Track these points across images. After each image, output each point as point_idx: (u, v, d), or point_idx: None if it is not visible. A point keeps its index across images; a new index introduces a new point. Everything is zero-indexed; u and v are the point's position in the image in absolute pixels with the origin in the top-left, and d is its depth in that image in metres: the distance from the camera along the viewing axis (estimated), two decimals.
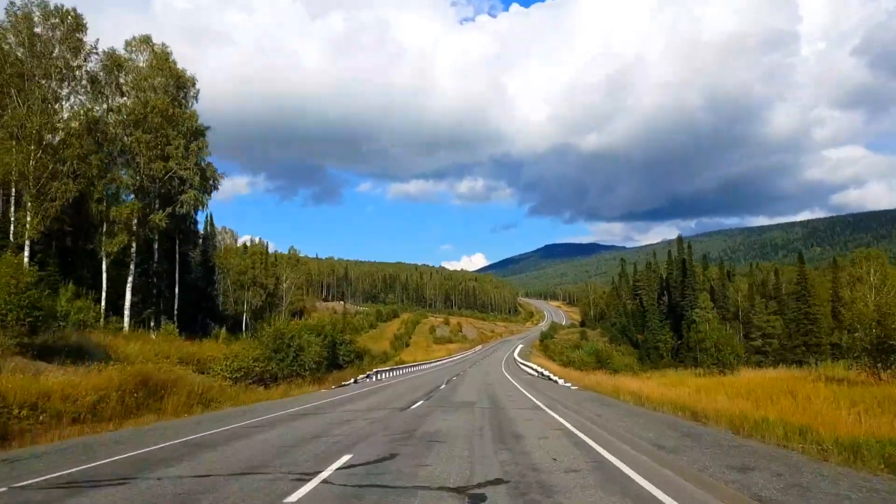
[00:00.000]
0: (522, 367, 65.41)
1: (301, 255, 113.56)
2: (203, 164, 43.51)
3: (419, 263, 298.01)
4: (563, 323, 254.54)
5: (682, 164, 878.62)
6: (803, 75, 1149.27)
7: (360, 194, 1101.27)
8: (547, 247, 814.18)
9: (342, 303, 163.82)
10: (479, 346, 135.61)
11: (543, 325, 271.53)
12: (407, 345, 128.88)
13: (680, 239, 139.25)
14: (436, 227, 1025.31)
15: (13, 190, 30.44)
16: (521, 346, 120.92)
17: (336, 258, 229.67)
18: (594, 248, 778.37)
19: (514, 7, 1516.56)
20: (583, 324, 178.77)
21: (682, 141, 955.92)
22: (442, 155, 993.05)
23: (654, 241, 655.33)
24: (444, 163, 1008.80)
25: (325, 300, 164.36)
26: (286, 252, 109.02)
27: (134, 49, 40.58)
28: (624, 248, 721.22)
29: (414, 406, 19.11)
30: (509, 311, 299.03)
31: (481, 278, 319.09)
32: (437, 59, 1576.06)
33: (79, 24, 33.02)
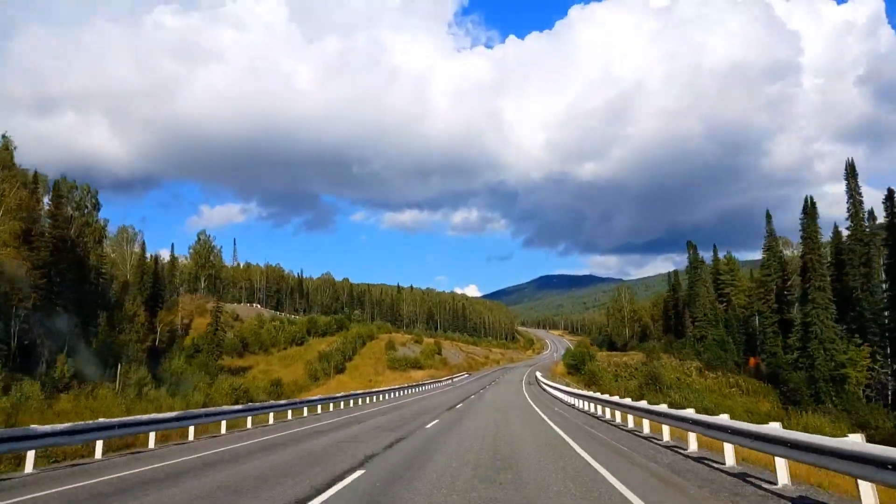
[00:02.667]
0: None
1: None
2: None
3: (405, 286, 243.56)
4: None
5: (680, 194, 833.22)
6: (805, 108, 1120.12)
7: (354, 223, 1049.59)
8: (542, 278, 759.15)
9: (256, 305, 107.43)
10: (465, 375, 79.70)
11: (549, 354, 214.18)
12: (341, 369, 72.81)
13: (676, 273, 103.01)
14: (430, 258, 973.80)
15: None
16: (538, 374, 66.38)
17: (287, 270, 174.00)
18: (591, 279, 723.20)
19: (512, 37, 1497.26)
20: (612, 346, 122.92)
21: (681, 171, 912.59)
22: (436, 182, 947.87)
23: (651, 274, 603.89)
24: (438, 190, 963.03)
25: (250, 303, 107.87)
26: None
27: None
28: (621, 280, 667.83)
29: None
30: (506, 337, 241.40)
31: (473, 301, 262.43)
32: (432, 85, 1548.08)
33: None
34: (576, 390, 31.23)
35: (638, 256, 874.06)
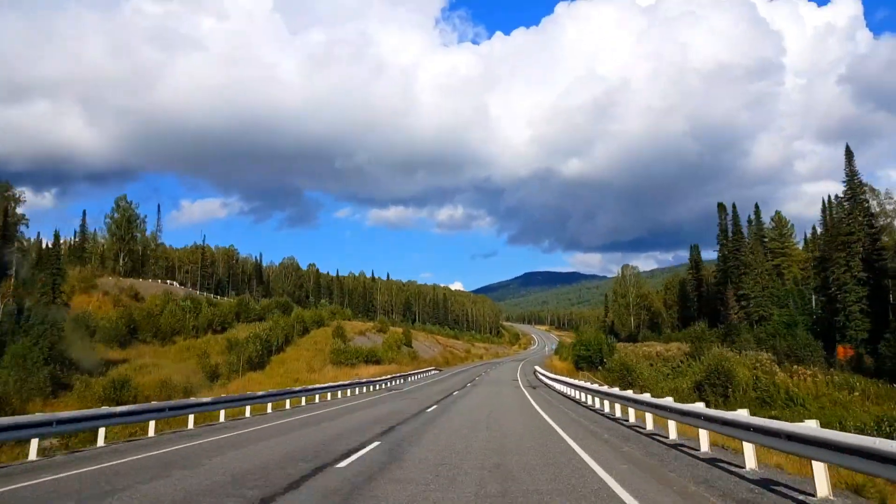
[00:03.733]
0: None
1: None
2: None
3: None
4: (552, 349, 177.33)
5: (663, 192, 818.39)
6: (786, 107, 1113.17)
7: (339, 219, 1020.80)
8: (527, 274, 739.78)
9: (173, 283, 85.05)
10: (433, 371, 58.59)
11: (538, 349, 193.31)
12: (259, 364, 50.91)
13: (696, 248, 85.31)
14: (415, 255, 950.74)
15: None
16: (539, 370, 45.64)
17: (246, 254, 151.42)
18: (575, 276, 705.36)
19: (499, 34, 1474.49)
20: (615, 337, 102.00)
21: (665, 169, 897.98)
22: (422, 177, 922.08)
23: (639, 270, 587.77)
24: (424, 186, 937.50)
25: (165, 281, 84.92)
26: None
27: None
28: (605, 277, 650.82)
29: None
30: (491, 331, 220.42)
31: (456, 293, 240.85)
32: (418, 79, 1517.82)
33: None
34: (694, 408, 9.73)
35: (620, 255, 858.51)
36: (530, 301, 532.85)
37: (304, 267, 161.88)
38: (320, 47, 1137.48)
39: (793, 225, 63.02)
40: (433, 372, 58.06)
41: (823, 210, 66.16)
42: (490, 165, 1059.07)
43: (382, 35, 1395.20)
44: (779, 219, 61.54)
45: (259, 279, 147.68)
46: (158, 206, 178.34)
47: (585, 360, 48.70)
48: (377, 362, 59.31)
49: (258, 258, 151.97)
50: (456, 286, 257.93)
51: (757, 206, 64.14)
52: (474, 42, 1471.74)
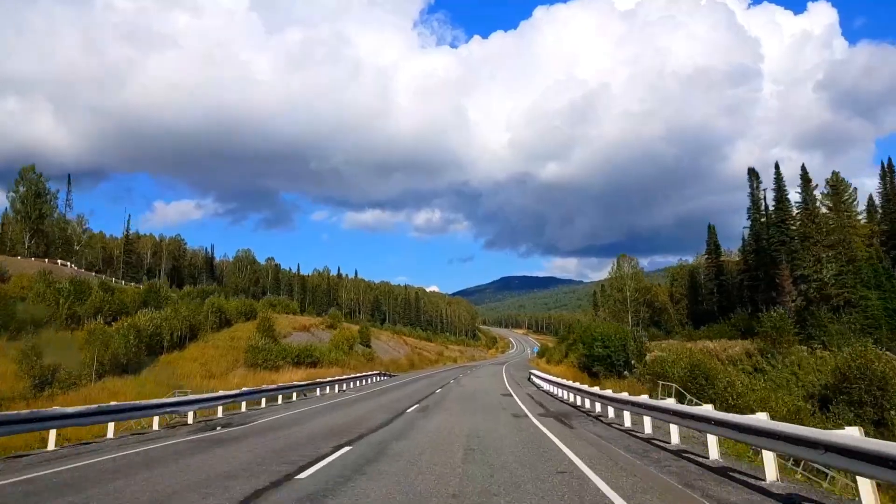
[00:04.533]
0: None
1: None
2: None
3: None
4: (533, 351, 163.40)
5: (640, 197, 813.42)
6: (763, 113, 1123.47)
7: (315, 222, 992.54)
8: (503, 279, 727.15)
9: (66, 264, 67.91)
10: (380, 376, 42.83)
11: (516, 353, 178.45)
12: (138, 365, 34.55)
13: (713, 229, 72.48)
14: (392, 259, 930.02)
15: None
16: (536, 374, 29.87)
17: (198, 247, 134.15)
18: (552, 281, 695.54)
19: (477, 37, 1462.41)
20: None
21: (642, 174, 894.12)
22: (399, 180, 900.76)
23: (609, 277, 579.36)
24: (401, 189, 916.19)
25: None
26: None
27: None
28: (581, 282, 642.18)
29: None
30: (466, 334, 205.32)
31: (430, 293, 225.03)
32: (396, 82, 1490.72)
33: None
34: None
35: (596, 260, 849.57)
36: (507, 305, 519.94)
37: (261, 261, 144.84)
38: (297, 47, 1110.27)
39: (855, 189, 49.64)
40: (379, 379, 42.39)
41: (883, 177, 52.38)
42: (468, 169, 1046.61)
43: (360, 36, 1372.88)
44: (837, 181, 47.46)
45: (210, 273, 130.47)
46: (69, 175, 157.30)
47: (602, 363, 33.40)
48: (314, 364, 43.47)
49: (209, 250, 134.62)
50: (431, 289, 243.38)
51: (804, 168, 49.95)
52: (452, 45, 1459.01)
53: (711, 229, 68.18)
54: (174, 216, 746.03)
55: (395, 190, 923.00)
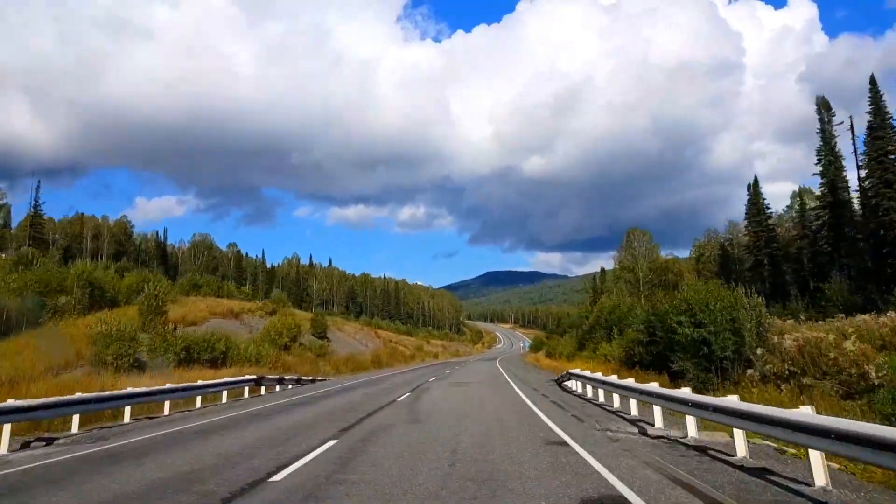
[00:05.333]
0: None
1: None
2: None
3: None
4: (524, 346, 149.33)
5: (623, 190, 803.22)
6: (746, 107, 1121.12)
7: (298, 218, 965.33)
8: (488, 273, 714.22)
9: None
10: (291, 381, 27.19)
11: (504, 348, 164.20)
12: None
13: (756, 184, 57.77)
14: (376, 255, 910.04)
15: None
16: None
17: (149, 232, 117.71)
18: (537, 276, 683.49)
19: (460, 31, 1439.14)
20: None
21: (625, 167, 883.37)
22: (382, 173, 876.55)
23: (597, 270, 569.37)
24: (384, 184, 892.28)
25: None
26: None
27: None
28: (566, 276, 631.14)
29: None
30: (451, 328, 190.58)
31: (412, 286, 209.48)
32: (379, 75, 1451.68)
33: None
34: None
35: (580, 255, 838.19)
36: (492, 300, 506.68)
37: (222, 248, 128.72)
38: (278, 39, 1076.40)
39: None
40: (286, 387, 27.33)
41: None
42: (451, 163, 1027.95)
43: (342, 30, 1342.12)
44: None
45: (162, 259, 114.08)
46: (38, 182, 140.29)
47: (688, 355, 18.41)
48: (215, 362, 28.26)
49: (161, 234, 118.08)
50: (416, 283, 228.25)
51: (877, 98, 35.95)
52: (436, 40, 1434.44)
53: (754, 186, 54.01)
54: (156, 213, 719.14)
55: (379, 184, 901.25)
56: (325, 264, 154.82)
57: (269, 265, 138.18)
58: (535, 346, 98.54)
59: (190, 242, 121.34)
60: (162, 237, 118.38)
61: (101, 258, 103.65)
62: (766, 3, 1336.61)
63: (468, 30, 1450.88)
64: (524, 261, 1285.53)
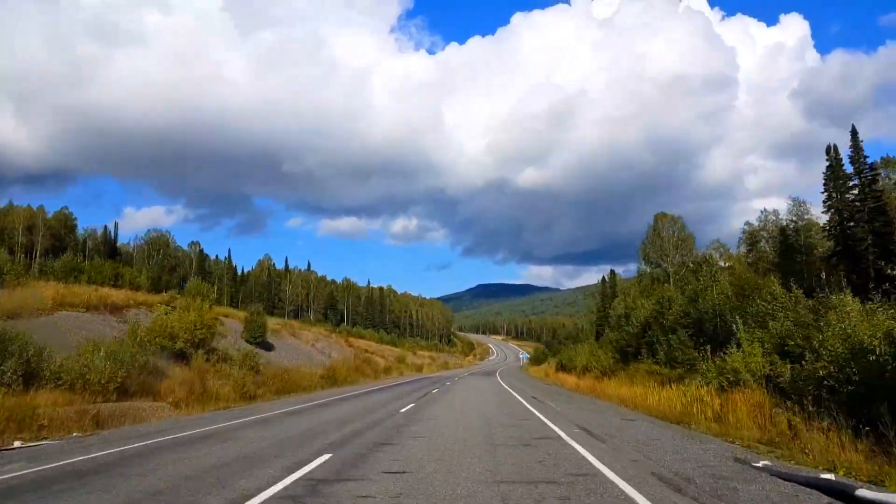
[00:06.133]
0: None
1: None
2: None
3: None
4: (523, 358, 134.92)
5: (616, 204, 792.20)
6: (739, 122, 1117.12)
7: (290, 229, 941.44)
8: (480, 286, 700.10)
9: None
10: None
11: (498, 360, 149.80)
12: None
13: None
14: (368, 266, 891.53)
15: None
16: None
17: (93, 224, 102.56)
18: (528, 288, 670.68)
19: (454, 43, 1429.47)
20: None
21: (619, 181, 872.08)
22: (375, 184, 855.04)
23: (584, 284, 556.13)
24: (377, 196, 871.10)
25: None
26: None
27: None
28: (557, 290, 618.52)
29: None
30: (441, 339, 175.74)
31: (400, 295, 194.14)
32: (373, 86, 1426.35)
33: None
34: None
35: (572, 268, 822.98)
36: (483, 312, 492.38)
37: (184, 247, 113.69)
38: (271, 47, 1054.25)
39: None
40: None
41: None
42: (445, 175, 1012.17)
43: (336, 39, 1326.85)
44: None
45: (111, 256, 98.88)
46: None
47: None
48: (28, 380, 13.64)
49: (110, 229, 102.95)
50: (404, 293, 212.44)
51: None
52: (430, 51, 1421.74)
53: (832, 150, 40.39)
54: (144, 222, 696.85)
55: (371, 196, 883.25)
56: (304, 268, 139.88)
57: (240, 269, 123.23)
58: (537, 358, 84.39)
59: (143, 240, 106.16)
60: (112, 233, 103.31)
61: (34, 254, 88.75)
62: (759, 21, 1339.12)
63: (462, 41, 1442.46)
64: (516, 273, 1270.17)
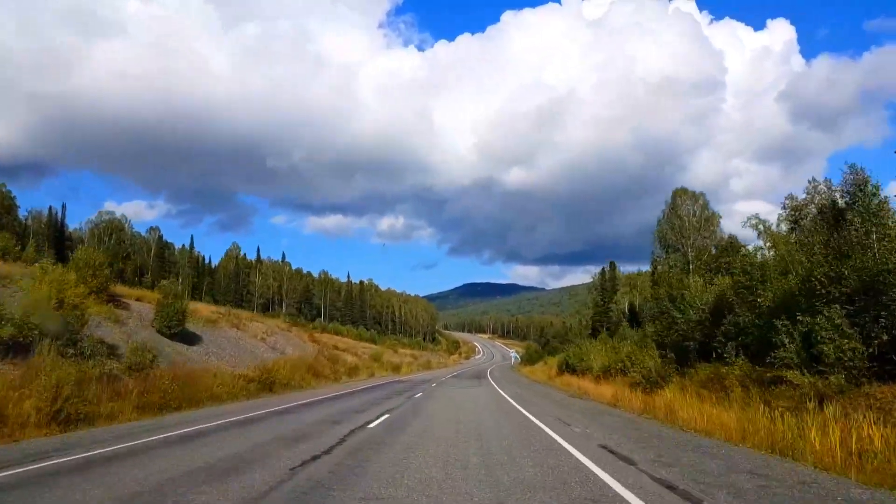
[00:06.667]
0: None
1: None
2: None
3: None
4: (513, 357, 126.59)
5: (604, 206, 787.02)
6: (726, 125, 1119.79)
7: (275, 226, 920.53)
8: (466, 285, 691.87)
9: None
10: None
11: (484, 359, 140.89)
12: None
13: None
14: (353, 265, 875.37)
15: None
16: None
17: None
18: (514, 288, 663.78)
19: (443, 40, 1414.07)
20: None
21: (606, 181, 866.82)
22: (360, 181, 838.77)
23: (569, 284, 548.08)
24: (363, 193, 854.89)
25: None
26: None
27: None
28: (543, 289, 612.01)
29: None
30: (425, 337, 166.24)
31: (383, 291, 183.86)
32: (359, 80, 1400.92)
33: None
34: None
35: (558, 268, 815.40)
36: (469, 311, 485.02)
37: (143, 233, 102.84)
38: (255, 41, 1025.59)
39: None
40: None
41: None
42: (432, 173, 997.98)
43: (322, 34, 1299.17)
44: None
45: (57, 240, 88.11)
46: None
47: None
48: None
49: (57, 211, 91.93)
50: (388, 289, 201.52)
51: None
52: (419, 49, 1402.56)
53: None
54: (126, 217, 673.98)
55: (357, 194, 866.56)
56: (279, 259, 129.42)
57: (214, 262, 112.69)
58: (530, 358, 75.05)
59: (92, 224, 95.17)
60: (59, 215, 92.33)
61: None
62: (746, 25, 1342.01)
63: (452, 39, 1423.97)
64: (502, 273, 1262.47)
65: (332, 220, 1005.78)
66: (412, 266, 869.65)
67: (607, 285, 75.80)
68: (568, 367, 36.53)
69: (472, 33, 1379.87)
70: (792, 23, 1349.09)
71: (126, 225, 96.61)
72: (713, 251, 46.89)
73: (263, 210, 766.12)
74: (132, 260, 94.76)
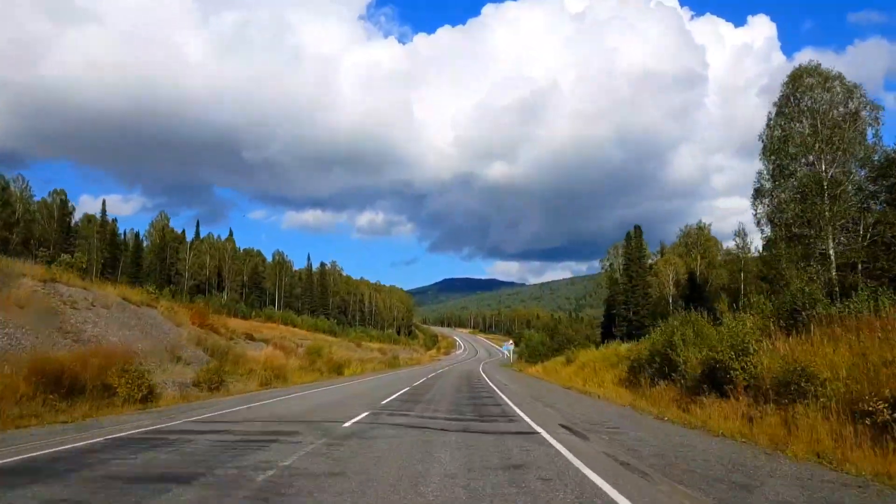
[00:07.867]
0: None
1: None
2: None
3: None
4: (506, 351, 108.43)
5: (584, 201, 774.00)
6: (706, 121, 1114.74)
7: (253, 221, 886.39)
8: (446, 280, 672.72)
9: None
10: None
11: (465, 356, 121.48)
12: None
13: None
14: (333, 259, 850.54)
15: None
16: None
17: None
18: (494, 283, 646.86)
19: (423, 33, 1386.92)
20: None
21: (587, 177, 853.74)
22: (339, 175, 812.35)
23: (550, 280, 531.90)
24: (342, 188, 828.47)
25: None
26: None
27: None
28: (523, 284, 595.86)
29: None
30: (400, 330, 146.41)
31: (353, 280, 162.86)
32: (338, 73, 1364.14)
33: None
34: None
35: (538, 264, 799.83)
36: (449, 307, 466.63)
37: (39, 197, 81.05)
38: (233, 30, 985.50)
39: None
40: None
41: None
42: (412, 167, 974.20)
43: (301, 24, 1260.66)
44: None
45: None
46: None
47: None
48: None
49: None
50: (362, 279, 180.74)
51: None
52: (400, 41, 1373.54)
53: None
54: (97, 211, 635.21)
55: (336, 187, 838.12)
56: (223, 237, 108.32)
57: (128, 231, 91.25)
58: (529, 353, 55.58)
59: (41, 199, 73.42)
60: None
61: None
62: (727, 21, 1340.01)
63: (432, 31, 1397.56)
64: (481, 269, 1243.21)
65: (311, 215, 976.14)
66: (392, 262, 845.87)
67: (633, 254, 56.91)
68: (659, 367, 17.41)
69: (453, 26, 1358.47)
70: (773, 19, 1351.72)
71: (14, 189, 74.91)
72: (856, 172, 28.28)
73: (242, 205, 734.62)
74: (23, 228, 73.45)
